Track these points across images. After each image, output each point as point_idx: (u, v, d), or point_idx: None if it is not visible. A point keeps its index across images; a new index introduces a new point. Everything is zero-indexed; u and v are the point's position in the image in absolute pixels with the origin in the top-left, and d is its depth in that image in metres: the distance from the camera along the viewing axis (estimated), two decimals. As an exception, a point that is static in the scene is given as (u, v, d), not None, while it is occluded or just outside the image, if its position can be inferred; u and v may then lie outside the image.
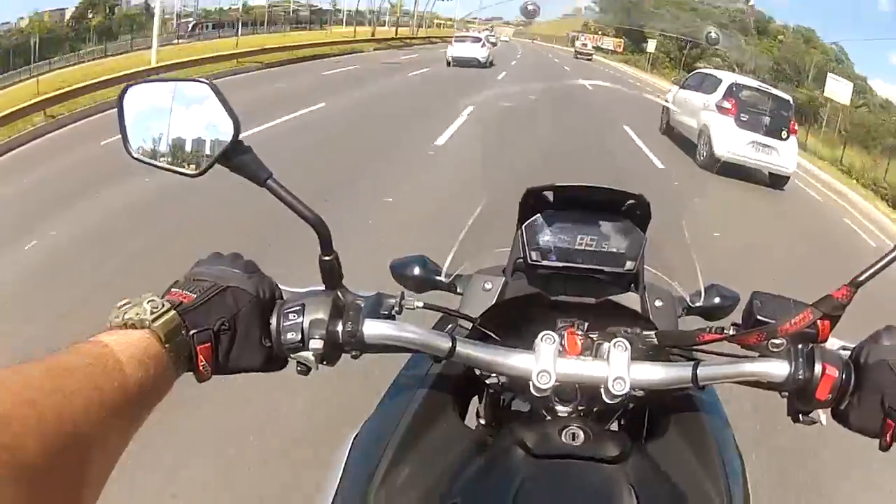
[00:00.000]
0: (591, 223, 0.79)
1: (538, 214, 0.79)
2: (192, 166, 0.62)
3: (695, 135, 9.54)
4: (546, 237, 0.79)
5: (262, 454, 2.22)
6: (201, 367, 0.56)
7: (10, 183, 5.94)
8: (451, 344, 0.67)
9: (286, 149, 6.54)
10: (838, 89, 18.10)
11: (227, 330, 0.57)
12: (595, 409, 0.75)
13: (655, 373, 0.68)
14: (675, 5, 39.22)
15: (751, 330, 0.68)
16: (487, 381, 0.80)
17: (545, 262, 0.79)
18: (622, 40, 41.06)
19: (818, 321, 0.64)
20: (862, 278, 0.62)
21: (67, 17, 21.42)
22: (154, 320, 0.51)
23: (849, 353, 0.66)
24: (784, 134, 8.95)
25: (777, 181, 9.15)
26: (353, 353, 0.66)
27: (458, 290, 0.89)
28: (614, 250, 0.79)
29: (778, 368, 0.65)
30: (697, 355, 0.76)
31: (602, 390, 0.67)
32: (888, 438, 0.60)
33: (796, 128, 9.49)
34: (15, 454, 0.35)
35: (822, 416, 0.67)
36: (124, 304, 0.52)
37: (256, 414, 2.41)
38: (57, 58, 17.23)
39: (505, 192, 1.01)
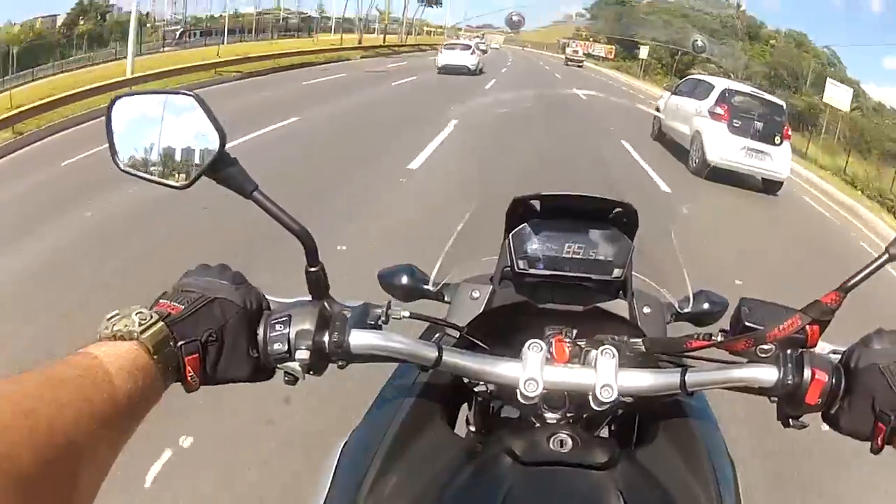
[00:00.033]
0: (579, 231, 0.81)
1: (525, 223, 0.81)
2: (180, 179, 0.63)
3: (687, 141, 9.60)
4: (533, 246, 0.80)
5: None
6: (189, 378, 0.57)
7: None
8: (437, 353, 0.68)
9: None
10: (838, 95, 17.95)
11: (214, 341, 0.59)
12: (584, 416, 0.77)
13: (643, 380, 0.69)
14: (667, 12, 39.69)
15: (739, 336, 0.70)
16: (476, 390, 0.81)
17: (532, 271, 0.81)
18: (613, 47, 41.46)
19: (807, 326, 0.66)
20: (851, 283, 0.64)
21: (59, 23, 21.48)
22: (142, 332, 0.53)
23: (839, 356, 0.67)
24: (777, 139, 9.03)
25: (770, 186, 9.21)
26: (340, 364, 0.67)
27: (446, 298, 0.91)
28: (602, 258, 0.80)
29: (767, 374, 0.67)
30: (687, 361, 0.77)
31: (590, 397, 0.68)
32: (879, 442, 0.61)
33: (790, 133, 9.56)
34: (13, 463, 0.36)
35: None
36: (113, 316, 0.54)
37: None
38: (43, 66, 17.21)
39: (490, 211, 1.02)
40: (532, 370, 0.67)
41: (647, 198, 6.71)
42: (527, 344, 0.69)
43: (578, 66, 35.93)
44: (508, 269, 0.82)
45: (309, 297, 0.69)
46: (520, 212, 0.81)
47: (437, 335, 0.86)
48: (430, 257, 0.96)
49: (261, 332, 0.63)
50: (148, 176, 0.64)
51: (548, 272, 0.80)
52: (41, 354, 2.63)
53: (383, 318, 0.73)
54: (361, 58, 24.23)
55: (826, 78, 21.02)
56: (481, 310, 0.85)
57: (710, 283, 0.98)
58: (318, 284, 0.68)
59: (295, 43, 26.70)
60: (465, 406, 0.91)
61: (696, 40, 30.26)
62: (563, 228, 0.81)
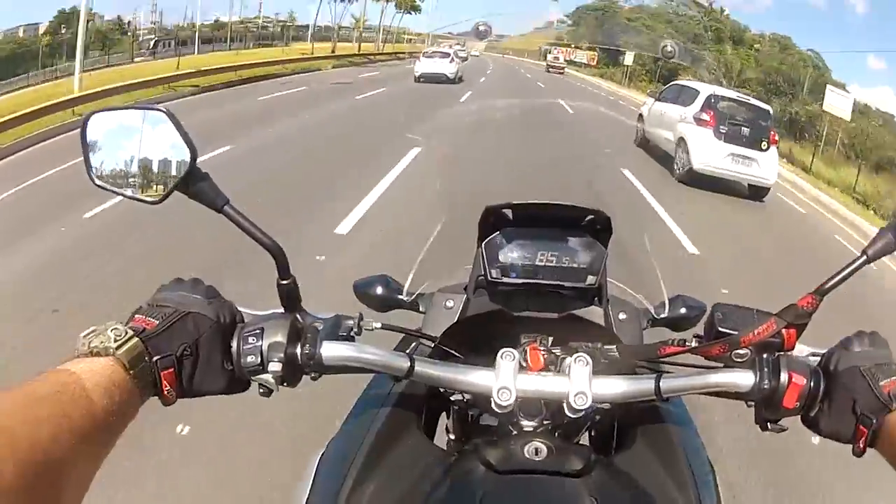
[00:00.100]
0: (552, 239, 0.83)
1: (497, 232, 0.83)
2: (152, 193, 0.66)
3: (671, 147, 9.67)
4: (506, 254, 0.83)
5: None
6: (166, 392, 0.60)
7: None
8: (409, 364, 0.71)
9: (100, 252, 4.42)
10: (837, 102, 17.65)
11: (189, 355, 0.62)
12: (561, 424, 0.79)
13: (617, 386, 0.72)
14: (650, 17, 40.41)
15: (713, 341, 0.72)
16: (452, 399, 0.84)
17: (506, 280, 0.83)
18: (596, 53, 42.06)
19: (783, 330, 0.68)
20: (828, 286, 0.66)
21: (41, 31, 21.54)
22: (118, 348, 0.55)
23: (818, 359, 0.70)
24: (764, 144, 9.17)
25: (757, 193, 9.32)
26: (313, 375, 0.70)
27: (421, 308, 0.95)
28: (575, 265, 0.83)
29: (743, 378, 0.69)
30: (664, 367, 0.79)
31: (564, 405, 0.71)
32: (861, 444, 0.62)
33: (776, 138, 9.69)
34: None
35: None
36: (89, 333, 0.56)
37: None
38: (22, 75, 17.23)
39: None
40: (505, 379, 0.70)
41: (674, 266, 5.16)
42: (500, 353, 0.71)
43: (560, 73, 36.43)
44: (482, 277, 0.84)
45: (281, 310, 0.72)
46: (492, 221, 0.83)
47: (412, 345, 0.89)
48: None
49: (234, 345, 0.66)
50: (121, 191, 0.67)
51: (521, 281, 0.83)
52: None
53: (355, 330, 0.76)
54: (333, 67, 24.00)
55: (826, 84, 20.83)
56: (455, 319, 0.88)
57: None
58: (290, 297, 0.71)
59: (265, 52, 26.68)
60: (444, 414, 0.94)
61: (666, 46, 30.88)
62: (536, 236, 0.83)
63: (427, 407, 0.87)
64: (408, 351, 0.85)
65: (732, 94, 10.83)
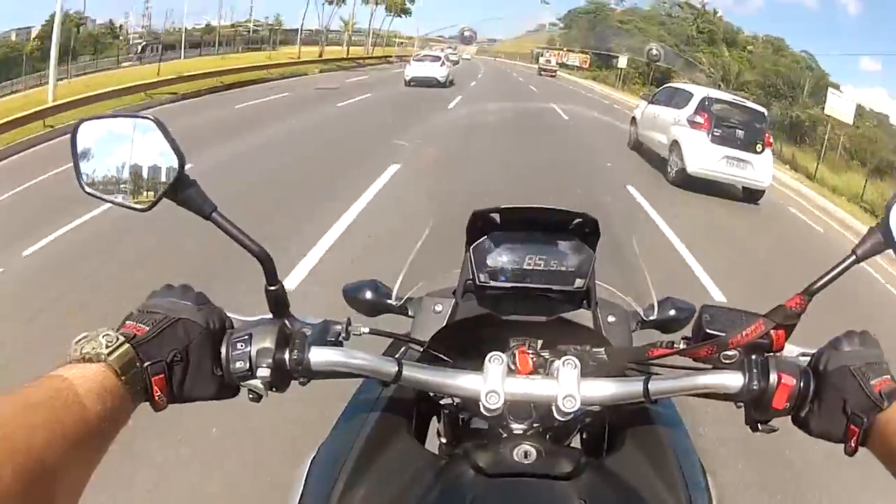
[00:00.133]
0: (539, 243, 0.85)
1: (485, 236, 0.85)
2: (141, 200, 0.68)
3: (665, 150, 9.70)
4: (494, 258, 0.85)
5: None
6: (157, 398, 0.61)
7: None
8: (397, 368, 0.72)
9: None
10: (840, 106, 17.28)
11: (179, 361, 0.63)
12: (552, 426, 0.81)
13: (606, 389, 0.73)
14: (643, 19, 40.72)
15: (701, 343, 0.73)
16: (442, 402, 0.87)
17: (494, 284, 0.85)
18: (588, 56, 42.31)
19: (772, 331, 0.69)
20: (816, 286, 0.68)
21: (33, 35, 21.83)
22: (109, 354, 0.57)
23: (808, 359, 0.71)
24: (759, 147, 9.23)
25: (751, 195, 9.38)
26: (301, 380, 0.72)
27: (410, 312, 0.96)
28: (563, 269, 0.85)
29: (732, 380, 0.71)
30: (653, 369, 0.81)
31: (553, 408, 0.72)
32: (853, 444, 0.63)
33: (771, 140, 9.75)
34: None
35: None
36: (82, 339, 0.58)
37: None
38: (14, 80, 17.28)
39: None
40: (493, 382, 0.71)
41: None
42: (488, 356, 0.73)
43: (551, 76, 36.64)
44: (471, 281, 0.86)
45: (270, 316, 0.74)
46: (479, 225, 0.84)
47: (402, 349, 0.91)
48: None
49: (224, 350, 0.67)
50: (111, 198, 0.69)
51: (509, 284, 0.85)
52: None
53: (343, 335, 0.78)
54: (320, 72, 23.88)
55: (827, 87, 20.67)
56: (444, 323, 0.90)
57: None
58: (278, 302, 0.73)
59: (251, 57, 26.73)
60: (435, 418, 0.95)
61: (651, 49, 31.16)
62: (524, 240, 0.85)
63: (418, 411, 0.89)
64: (397, 355, 0.87)
65: (727, 96, 10.91)
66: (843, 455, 0.65)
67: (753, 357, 0.70)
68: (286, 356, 0.69)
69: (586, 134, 13.58)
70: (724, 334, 0.72)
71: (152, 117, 0.67)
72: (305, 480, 0.78)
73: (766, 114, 10.11)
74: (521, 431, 0.79)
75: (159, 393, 0.61)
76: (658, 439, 0.82)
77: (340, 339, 0.77)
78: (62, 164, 6.31)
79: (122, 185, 0.68)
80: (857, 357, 0.66)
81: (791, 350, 0.73)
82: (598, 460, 0.78)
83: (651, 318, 0.99)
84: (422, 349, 0.87)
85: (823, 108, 18.91)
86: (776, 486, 2.64)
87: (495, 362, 0.72)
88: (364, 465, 0.75)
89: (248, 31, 34.60)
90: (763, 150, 9.29)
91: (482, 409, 0.71)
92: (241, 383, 0.68)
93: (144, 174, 0.67)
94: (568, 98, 22.27)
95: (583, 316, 0.88)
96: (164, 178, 0.67)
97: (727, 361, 0.72)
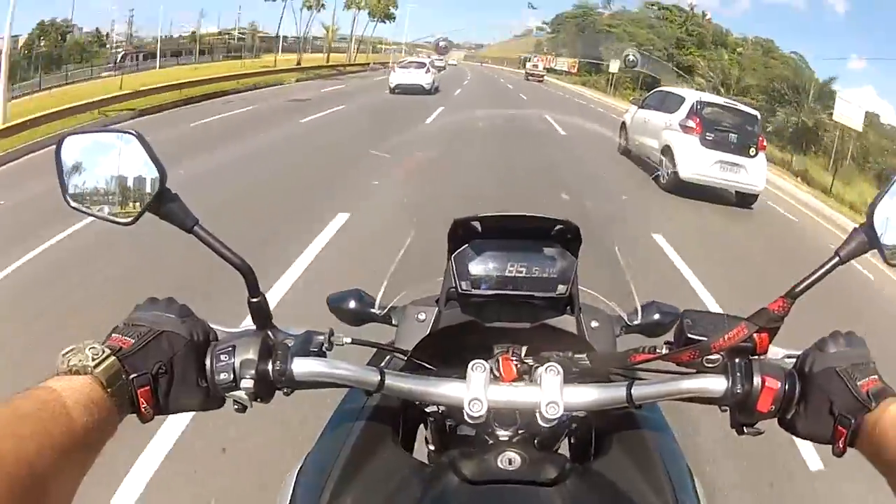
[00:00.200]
0: (521, 250, 0.88)
1: (466, 244, 0.88)
2: (125, 215, 0.71)
3: (656, 156, 9.78)
4: (476, 266, 0.87)
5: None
6: (143, 409, 0.64)
7: None
8: (379, 377, 0.75)
9: None
10: (849, 112, 17.02)
11: (164, 373, 0.66)
12: (539, 433, 0.83)
13: (589, 394, 0.76)
14: (631, 22, 41.22)
15: (683, 348, 0.75)
16: (428, 410, 0.90)
17: (476, 291, 0.88)
18: (577, 61, 42.74)
19: (755, 334, 0.71)
20: (799, 289, 0.70)
21: (20, 44, 21.89)
22: (96, 366, 0.60)
23: (794, 361, 0.73)
24: (752, 151, 9.34)
25: (745, 200, 9.47)
26: (285, 391, 0.75)
27: (394, 321, 0.99)
28: (545, 275, 0.87)
29: (715, 384, 0.73)
30: (638, 374, 0.82)
31: (537, 415, 0.74)
32: (841, 445, 0.64)
33: (765, 143, 9.87)
34: None
35: None
36: (69, 351, 0.60)
37: None
38: None
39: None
40: (476, 390, 0.73)
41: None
42: (470, 364, 0.75)
43: (539, 81, 36.96)
44: (453, 290, 0.89)
45: (254, 327, 0.76)
46: (461, 233, 0.87)
47: (387, 358, 0.94)
48: None
49: (208, 362, 0.70)
50: (95, 212, 0.72)
51: (492, 292, 0.87)
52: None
53: (326, 345, 0.80)
54: (297, 81, 23.46)
55: (835, 92, 19.93)
56: (427, 332, 0.92)
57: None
58: (260, 314, 0.76)
59: (225, 66, 26.57)
60: (423, 426, 0.98)
61: (628, 55, 31.59)
62: (506, 248, 0.88)
63: (404, 419, 0.91)
64: (382, 364, 0.90)
65: (719, 99, 11.05)
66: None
67: (737, 360, 0.72)
68: (269, 367, 0.72)
69: (589, 154, 11.65)
70: (706, 339, 0.74)
71: (135, 132, 0.70)
72: (293, 491, 0.80)
73: (758, 117, 10.26)
74: (506, 438, 0.82)
75: (145, 404, 0.64)
76: (644, 444, 0.84)
77: (323, 349, 0.80)
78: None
79: (105, 200, 0.71)
80: (842, 358, 0.68)
81: (776, 352, 0.75)
82: (584, 466, 0.80)
83: (635, 322, 1.02)
84: (405, 358, 0.89)
85: (831, 115, 18.41)
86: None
87: (478, 370, 0.74)
88: (350, 474, 0.77)
89: (234, 39, 34.65)
90: (756, 153, 9.42)
91: (466, 417, 0.73)
92: (226, 394, 0.71)
93: (127, 189, 0.70)
94: (561, 106, 21.84)
95: (566, 322, 0.91)
96: (146, 193, 0.70)
97: (710, 365, 0.74)
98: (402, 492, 0.74)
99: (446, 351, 0.89)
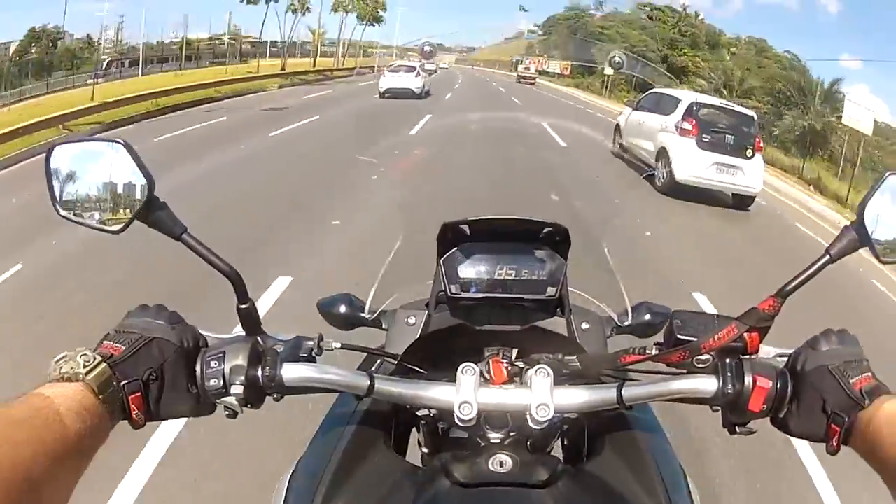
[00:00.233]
0: (510, 252, 0.89)
1: (455, 248, 0.89)
2: (113, 223, 0.73)
3: (651, 158, 9.81)
4: (465, 269, 0.89)
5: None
6: (134, 416, 0.66)
7: None
8: (369, 382, 0.77)
9: None
10: (858, 115, 16.69)
11: (155, 379, 0.68)
12: (531, 435, 0.84)
13: (580, 396, 0.77)
14: (623, 23, 41.47)
15: (673, 349, 0.77)
16: (419, 414, 0.92)
17: (465, 295, 0.89)
18: (570, 63, 42.94)
19: (746, 334, 0.72)
20: (789, 288, 0.71)
21: (11, 51, 22.16)
22: (87, 373, 0.61)
23: (785, 360, 0.74)
24: (749, 152, 9.37)
25: (742, 202, 9.53)
26: (275, 396, 0.76)
27: (384, 325, 1.01)
28: (535, 277, 0.88)
29: (706, 384, 0.74)
30: (630, 375, 0.84)
31: (528, 417, 0.76)
32: (835, 443, 0.65)
33: (762, 145, 9.91)
34: None
35: None
36: (61, 359, 0.62)
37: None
38: None
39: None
40: (466, 393, 0.75)
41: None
42: (460, 368, 0.77)
43: (531, 84, 37.13)
44: (443, 293, 0.90)
45: (243, 333, 0.78)
46: (450, 236, 0.88)
47: (377, 362, 0.95)
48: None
49: (198, 368, 0.72)
50: (84, 221, 0.73)
51: (481, 295, 0.89)
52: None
53: (315, 351, 0.81)
54: (280, 87, 23.00)
55: (843, 95, 19.50)
56: (418, 335, 0.94)
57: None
58: (249, 320, 0.78)
59: (206, 73, 26.41)
60: (416, 429, 0.99)
61: (614, 56, 31.80)
62: (495, 251, 0.89)
63: (397, 422, 0.93)
64: (373, 368, 0.91)
65: (715, 100, 11.12)
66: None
67: (727, 360, 0.73)
68: (259, 373, 0.73)
69: (594, 172, 9.99)
70: (695, 339, 0.75)
71: (122, 141, 0.72)
72: (285, 497, 0.81)
73: (755, 117, 10.33)
74: (498, 440, 0.83)
75: (136, 411, 0.66)
76: (637, 444, 0.86)
77: (313, 354, 0.81)
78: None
79: (94, 208, 0.73)
80: (835, 356, 0.68)
81: (768, 352, 0.76)
82: (576, 467, 0.82)
83: (626, 323, 1.04)
84: (396, 362, 0.91)
85: (839, 118, 18.08)
86: None
87: (468, 373, 0.76)
88: (342, 478, 0.79)
89: (224, 44, 34.72)
90: (753, 154, 9.47)
91: (456, 420, 0.75)
92: (217, 400, 0.72)
93: (116, 197, 0.72)
94: (556, 111, 21.48)
95: (557, 324, 0.93)
96: (135, 200, 0.72)
97: (700, 366, 0.75)
98: (394, 496, 0.76)
99: (436, 354, 0.91)
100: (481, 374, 0.78)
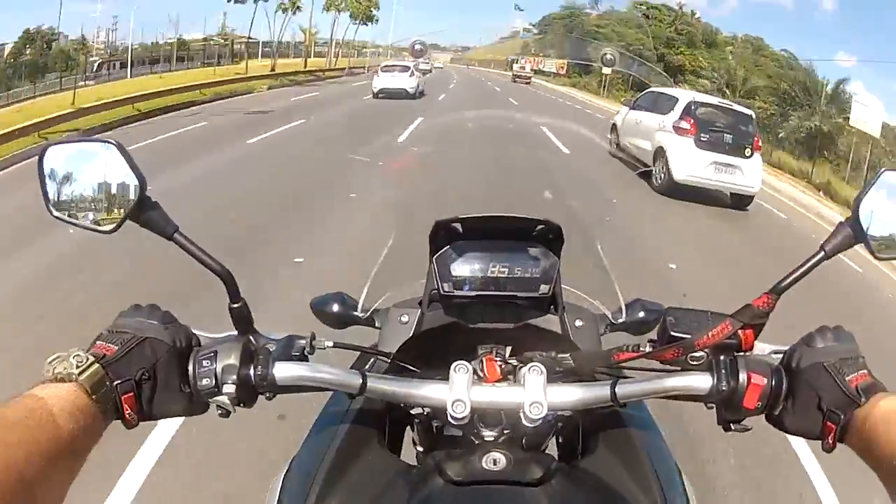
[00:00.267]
0: (503, 250, 0.90)
1: (448, 246, 0.90)
2: (106, 222, 0.74)
3: (649, 158, 9.83)
4: (457, 268, 0.90)
5: None
6: (127, 415, 0.67)
7: None
8: (361, 380, 0.77)
9: None
10: (866, 116, 16.57)
11: (147, 379, 0.69)
12: (525, 433, 0.85)
13: (573, 394, 0.78)
14: (619, 22, 41.60)
15: (667, 346, 0.77)
16: (413, 412, 0.93)
17: (458, 293, 0.90)
18: (566, 62, 43.04)
19: (740, 331, 0.73)
20: (783, 285, 0.72)
21: (6, 53, 22.46)
22: (80, 374, 0.62)
23: (780, 357, 0.74)
24: (748, 151, 9.40)
25: (740, 201, 9.57)
26: (268, 395, 0.77)
27: (377, 324, 1.02)
28: (528, 275, 0.90)
29: (700, 381, 0.75)
30: (625, 372, 0.85)
31: (521, 415, 0.76)
32: (831, 441, 0.66)
33: (760, 144, 9.95)
34: None
35: None
36: (54, 359, 0.63)
37: None
38: None
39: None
40: (458, 391, 0.76)
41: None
42: (453, 366, 0.77)
43: (526, 83, 37.17)
44: (436, 291, 0.91)
45: (235, 333, 0.79)
46: (442, 235, 0.89)
47: (370, 361, 0.96)
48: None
49: (190, 368, 0.73)
50: (77, 221, 0.75)
51: (474, 293, 0.90)
52: None
53: (308, 350, 0.82)
54: (269, 88, 22.65)
55: (850, 96, 19.11)
56: (411, 334, 0.95)
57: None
58: (241, 319, 0.79)
59: (194, 75, 26.19)
60: (410, 427, 1.01)
61: (606, 54, 31.98)
62: (487, 249, 0.90)
63: (391, 421, 0.94)
64: (366, 367, 0.92)
65: (713, 99, 11.15)
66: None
67: (722, 357, 0.74)
68: (251, 372, 0.74)
69: (601, 183, 8.60)
70: (689, 336, 0.76)
71: (114, 142, 0.74)
72: (278, 496, 0.82)
73: (753, 116, 10.37)
74: (492, 438, 0.84)
75: (129, 411, 0.67)
76: (631, 442, 0.87)
77: (305, 353, 0.82)
78: None
79: (86, 209, 0.74)
80: (830, 353, 0.69)
81: (763, 349, 0.77)
82: (570, 465, 0.83)
83: (620, 320, 1.05)
84: (389, 360, 0.92)
85: (846, 119, 17.85)
86: None
87: (460, 371, 0.77)
88: (335, 477, 0.80)
89: (218, 45, 34.75)
90: (752, 154, 9.49)
91: (449, 418, 0.76)
92: (209, 399, 0.74)
93: (108, 197, 0.74)
94: (554, 112, 21.28)
95: (550, 321, 0.94)
96: (127, 201, 0.73)
97: (694, 363, 0.76)
98: (388, 494, 0.77)
99: (430, 353, 0.92)
100: (474, 372, 0.79)
